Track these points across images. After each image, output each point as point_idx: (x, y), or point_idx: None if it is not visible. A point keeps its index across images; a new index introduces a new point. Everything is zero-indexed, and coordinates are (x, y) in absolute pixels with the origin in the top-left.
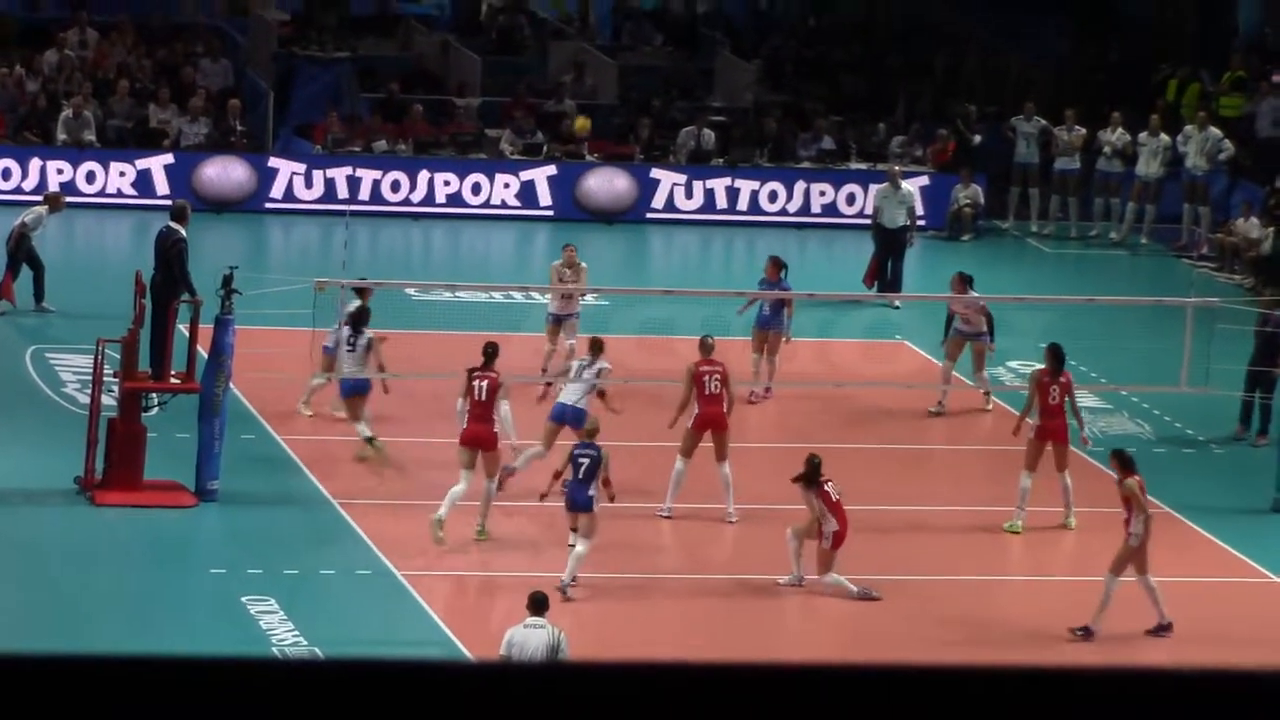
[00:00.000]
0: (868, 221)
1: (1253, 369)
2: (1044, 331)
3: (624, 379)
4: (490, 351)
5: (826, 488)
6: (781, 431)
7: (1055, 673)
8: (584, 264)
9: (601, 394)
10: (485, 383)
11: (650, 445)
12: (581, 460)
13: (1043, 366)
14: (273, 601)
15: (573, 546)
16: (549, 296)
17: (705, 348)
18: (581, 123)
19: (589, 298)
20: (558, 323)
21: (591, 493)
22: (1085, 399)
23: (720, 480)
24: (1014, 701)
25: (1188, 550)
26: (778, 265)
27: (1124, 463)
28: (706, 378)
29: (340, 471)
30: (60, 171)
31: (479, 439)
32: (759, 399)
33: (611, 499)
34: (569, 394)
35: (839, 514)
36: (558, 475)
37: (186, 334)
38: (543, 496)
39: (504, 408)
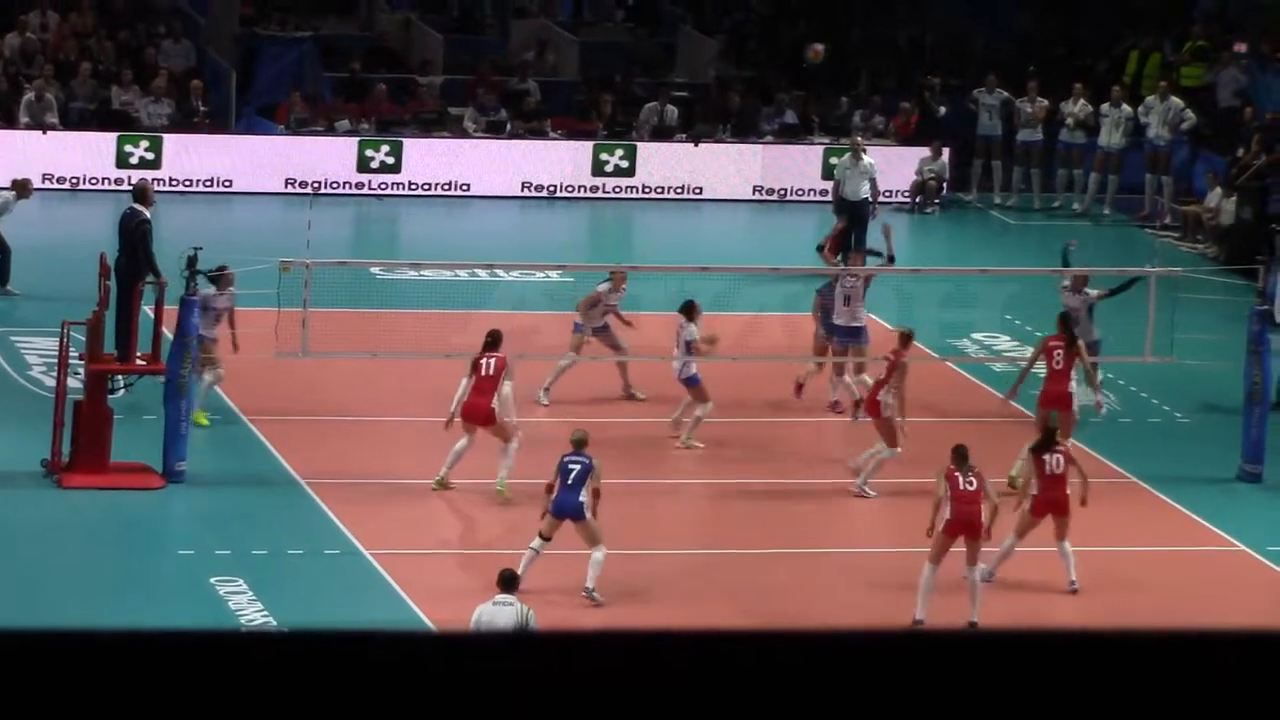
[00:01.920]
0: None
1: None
2: (1008, 303)
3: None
4: (490, 340)
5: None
6: (744, 409)
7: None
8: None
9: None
10: (493, 360)
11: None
12: (571, 467)
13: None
14: (241, 582)
15: (534, 551)
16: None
17: (903, 338)
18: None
19: (554, 274)
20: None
21: (582, 499)
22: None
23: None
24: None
25: (1154, 519)
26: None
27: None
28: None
29: (307, 450)
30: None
31: (475, 413)
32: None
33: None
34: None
35: (1046, 486)
36: (549, 489)
37: (152, 315)
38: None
39: (507, 388)
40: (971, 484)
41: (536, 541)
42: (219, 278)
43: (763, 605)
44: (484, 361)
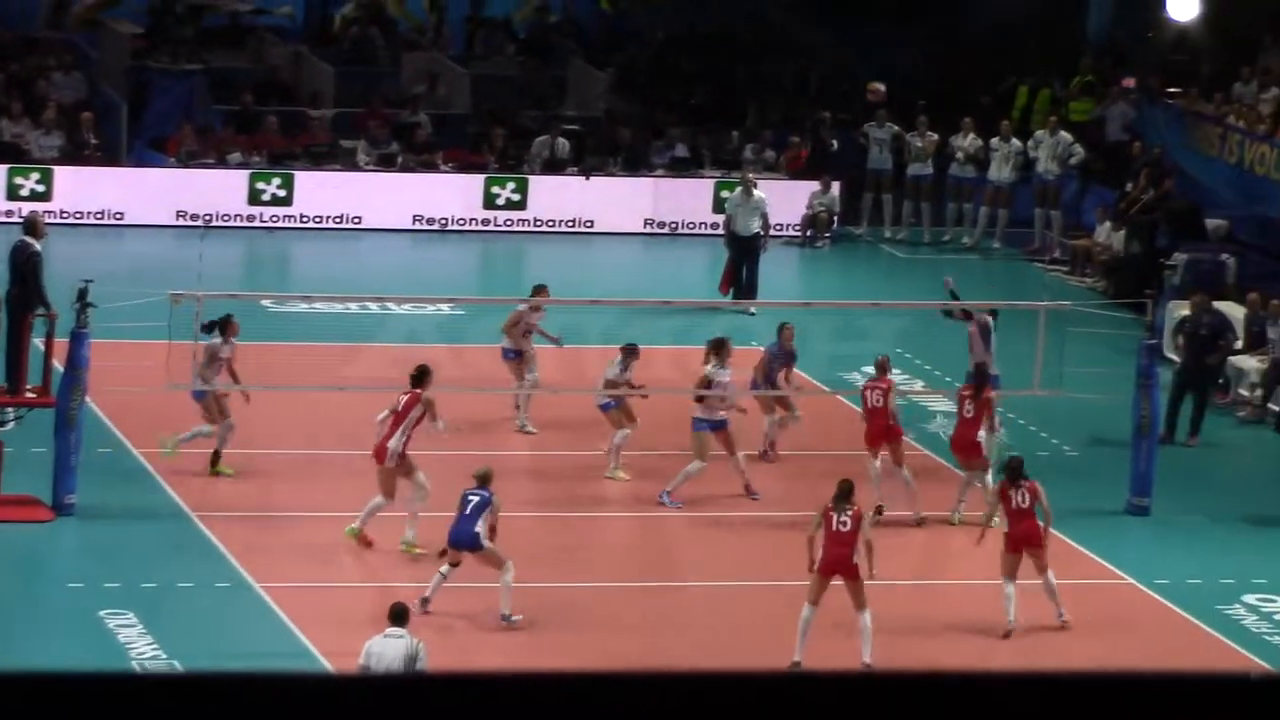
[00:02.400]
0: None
1: (1181, 371)
2: (898, 337)
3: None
4: (418, 374)
5: (1010, 491)
6: (634, 439)
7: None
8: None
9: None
10: (405, 396)
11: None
12: (470, 499)
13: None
14: (131, 615)
15: (443, 575)
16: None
17: (879, 367)
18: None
19: (445, 307)
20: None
21: (478, 529)
22: (939, 403)
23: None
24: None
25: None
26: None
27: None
28: (869, 393)
29: (197, 484)
30: None
31: (375, 451)
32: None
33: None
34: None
35: (1014, 520)
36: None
37: (42, 348)
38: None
39: (440, 425)
40: (845, 525)
41: (445, 566)
42: (225, 326)
43: (666, 640)
44: (399, 397)
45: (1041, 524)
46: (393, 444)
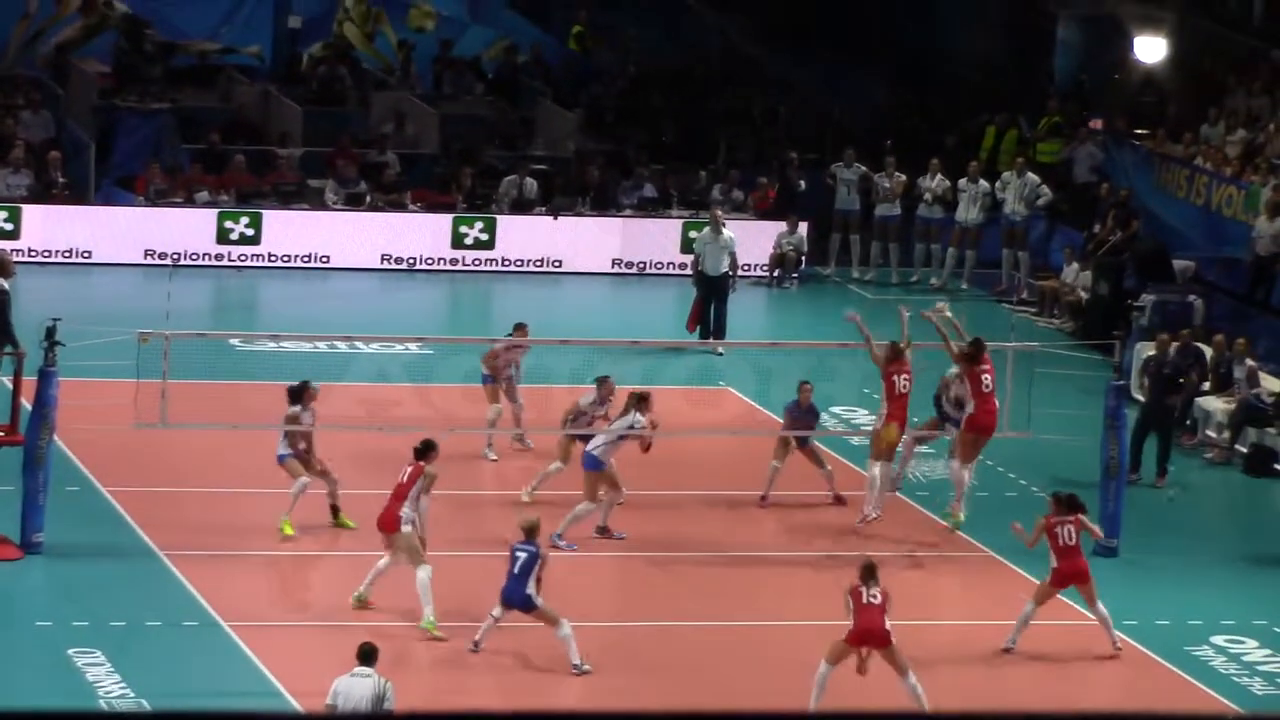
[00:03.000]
0: (689, 270)
1: (1144, 410)
2: (866, 377)
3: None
4: (423, 448)
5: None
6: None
7: None
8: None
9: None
10: (410, 467)
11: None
12: (519, 555)
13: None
14: (99, 654)
15: (495, 618)
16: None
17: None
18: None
19: (413, 346)
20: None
21: (529, 591)
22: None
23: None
24: None
25: (1011, 593)
26: (810, 390)
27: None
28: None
29: (165, 523)
30: None
31: (380, 520)
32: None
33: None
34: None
35: (1062, 556)
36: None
37: (10, 386)
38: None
39: (424, 503)
40: (875, 597)
41: (497, 610)
42: (302, 393)
43: (676, 680)
44: (405, 467)
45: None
46: (405, 513)
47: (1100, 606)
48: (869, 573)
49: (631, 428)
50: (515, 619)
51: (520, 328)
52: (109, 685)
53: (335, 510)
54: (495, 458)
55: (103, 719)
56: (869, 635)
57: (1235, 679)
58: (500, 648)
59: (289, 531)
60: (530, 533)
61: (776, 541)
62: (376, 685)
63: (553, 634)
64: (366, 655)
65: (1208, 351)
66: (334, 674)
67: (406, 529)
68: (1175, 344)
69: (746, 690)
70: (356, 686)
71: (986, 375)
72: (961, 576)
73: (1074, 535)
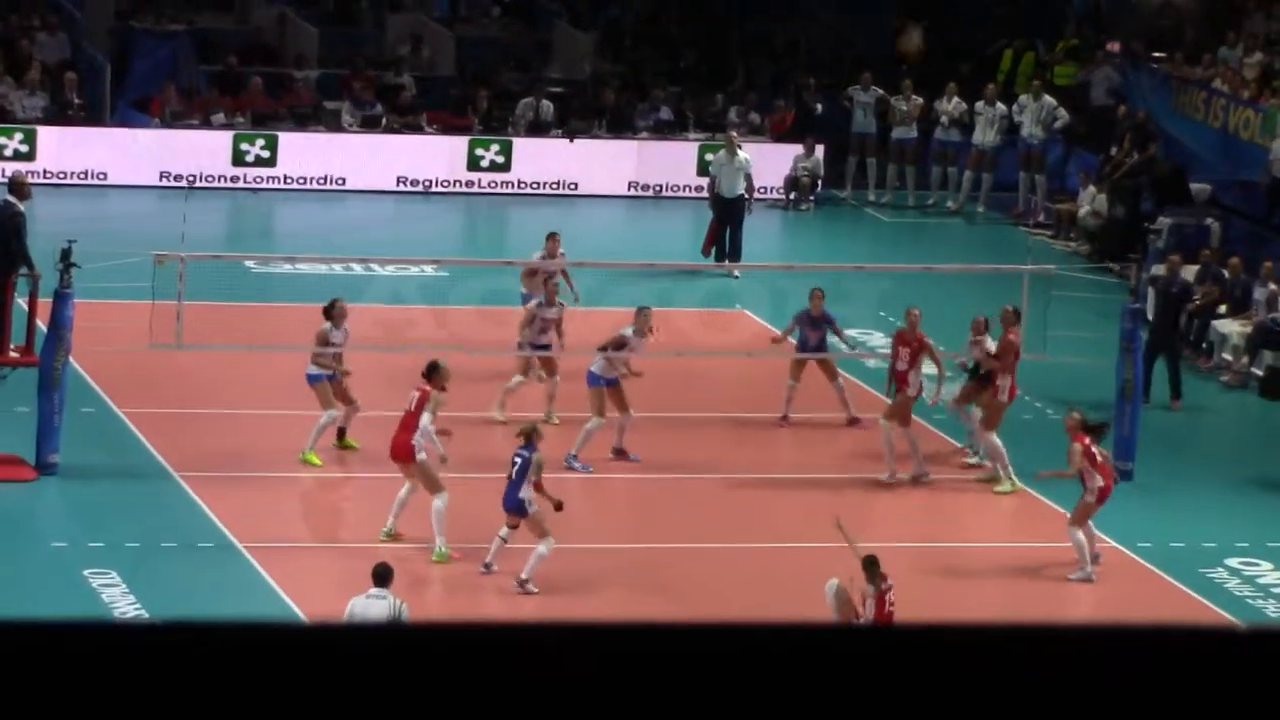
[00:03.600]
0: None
1: (1155, 336)
2: (882, 300)
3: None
4: (429, 369)
5: (1093, 448)
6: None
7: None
8: (564, 253)
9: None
10: (417, 393)
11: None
12: (515, 460)
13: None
14: (114, 574)
15: (503, 539)
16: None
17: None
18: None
19: (429, 268)
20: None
21: (523, 495)
22: (926, 367)
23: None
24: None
25: (1028, 517)
26: (822, 297)
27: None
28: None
29: (180, 445)
30: None
31: (392, 449)
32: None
33: (559, 506)
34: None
35: (1103, 472)
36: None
37: (26, 308)
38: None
39: (425, 419)
40: (892, 602)
41: (504, 530)
42: (330, 310)
43: (684, 598)
44: (411, 394)
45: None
46: (418, 440)
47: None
48: (872, 571)
49: (624, 340)
50: (528, 538)
51: (552, 237)
52: (124, 606)
53: (341, 432)
54: (504, 419)
55: (116, 628)
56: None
57: (1249, 601)
58: (517, 569)
59: (316, 461)
60: (528, 436)
61: (794, 462)
62: (392, 606)
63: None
64: (381, 576)
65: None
66: (350, 596)
67: (421, 456)
68: (1187, 265)
69: (761, 611)
70: (372, 608)
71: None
72: (983, 503)
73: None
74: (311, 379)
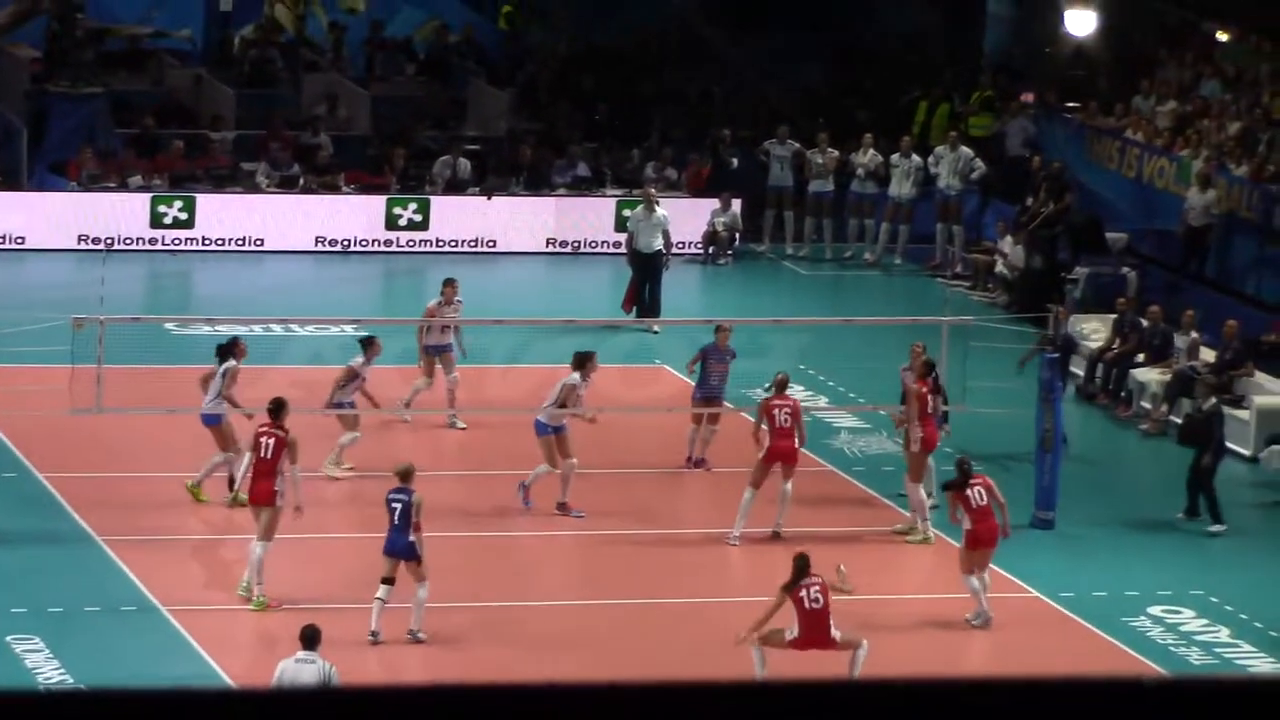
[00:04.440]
0: (623, 248)
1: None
2: (801, 353)
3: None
4: (275, 407)
5: (968, 492)
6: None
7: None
8: (460, 300)
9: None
10: (271, 440)
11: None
12: (394, 505)
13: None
14: (38, 640)
15: (382, 600)
16: (425, 330)
17: (779, 384)
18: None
19: (349, 328)
20: (432, 354)
21: (411, 539)
22: (844, 420)
23: (780, 495)
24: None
25: (948, 566)
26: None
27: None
28: (777, 412)
29: (103, 507)
30: None
31: (256, 496)
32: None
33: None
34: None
35: (978, 517)
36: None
37: None
38: None
39: (294, 471)
40: (817, 601)
41: (381, 590)
42: (232, 349)
43: (599, 654)
44: (262, 442)
45: (999, 520)
46: (279, 485)
47: (987, 577)
48: (801, 569)
49: (573, 386)
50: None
51: (450, 284)
52: (48, 671)
53: (232, 482)
54: (464, 426)
55: (48, 699)
56: (815, 642)
57: (1173, 649)
58: (445, 624)
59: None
60: (404, 477)
61: (715, 516)
62: (321, 670)
63: (412, 588)
64: (310, 639)
65: (1144, 323)
66: (277, 659)
67: (280, 503)
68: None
69: (700, 666)
70: (303, 672)
71: (934, 399)
72: (905, 553)
73: (984, 495)
74: (209, 420)
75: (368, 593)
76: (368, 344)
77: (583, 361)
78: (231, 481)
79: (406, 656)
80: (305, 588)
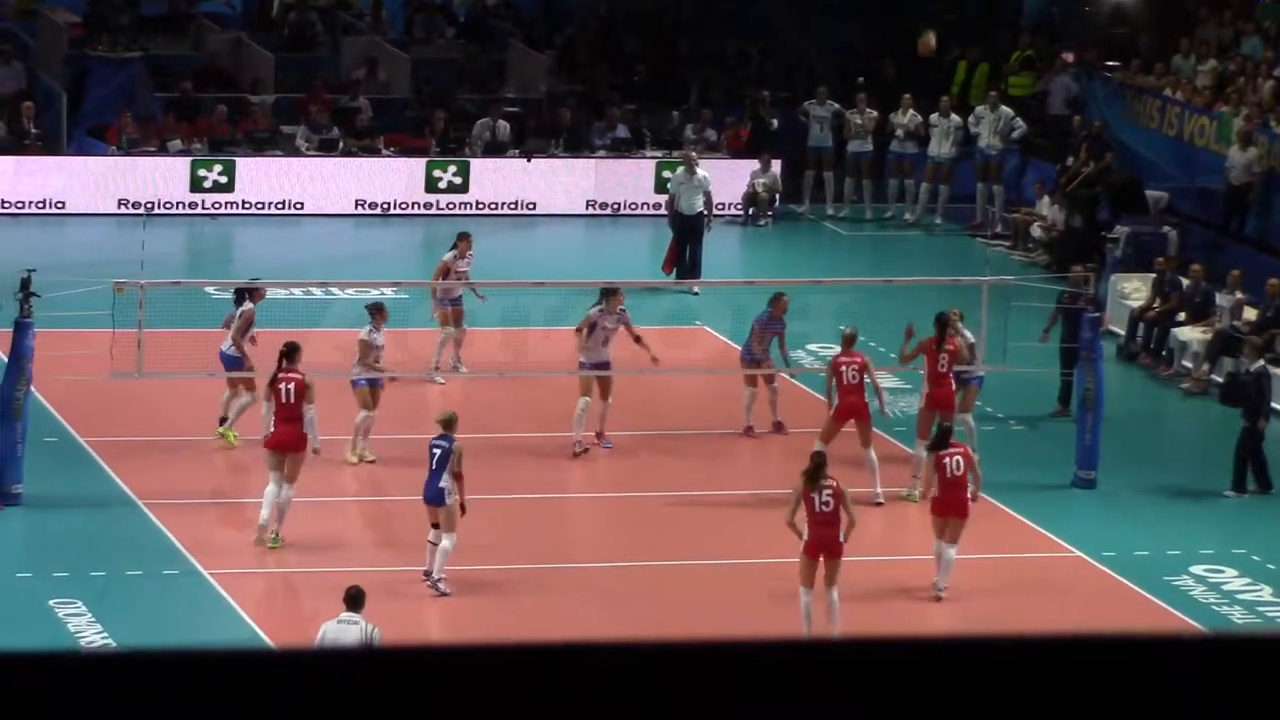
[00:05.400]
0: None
1: (1065, 346)
2: (840, 313)
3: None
4: (289, 351)
5: (945, 459)
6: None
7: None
8: (472, 254)
9: (637, 339)
10: (291, 385)
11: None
12: (434, 450)
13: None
14: (80, 604)
15: (433, 543)
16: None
17: (846, 340)
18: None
19: (389, 291)
20: (445, 306)
21: (443, 485)
22: (886, 380)
23: (866, 463)
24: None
25: (991, 527)
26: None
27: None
28: (844, 369)
29: (144, 470)
30: None
31: (284, 442)
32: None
33: (463, 509)
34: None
35: (946, 485)
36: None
37: None
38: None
39: (310, 411)
40: (828, 504)
41: (432, 533)
42: (253, 292)
43: (640, 615)
44: (282, 387)
45: (971, 490)
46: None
47: (953, 551)
48: (815, 473)
49: (594, 320)
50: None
51: (464, 238)
52: (91, 635)
53: (224, 419)
54: (443, 381)
55: (87, 658)
56: (826, 547)
57: (1215, 607)
58: (487, 581)
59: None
60: (447, 425)
61: (756, 479)
62: (364, 631)
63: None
64: (354, 600)
65: (1184, 281)
66: (320, 620)
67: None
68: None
69: (738, 626)
70: (345, 633)
71: (944, 356)
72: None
73: (960, 465)
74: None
75: (409, 555)
76: (375, 310)
77: (606, 294)
78: (223, 420)
79: (454, 615)
80: (346, 548)
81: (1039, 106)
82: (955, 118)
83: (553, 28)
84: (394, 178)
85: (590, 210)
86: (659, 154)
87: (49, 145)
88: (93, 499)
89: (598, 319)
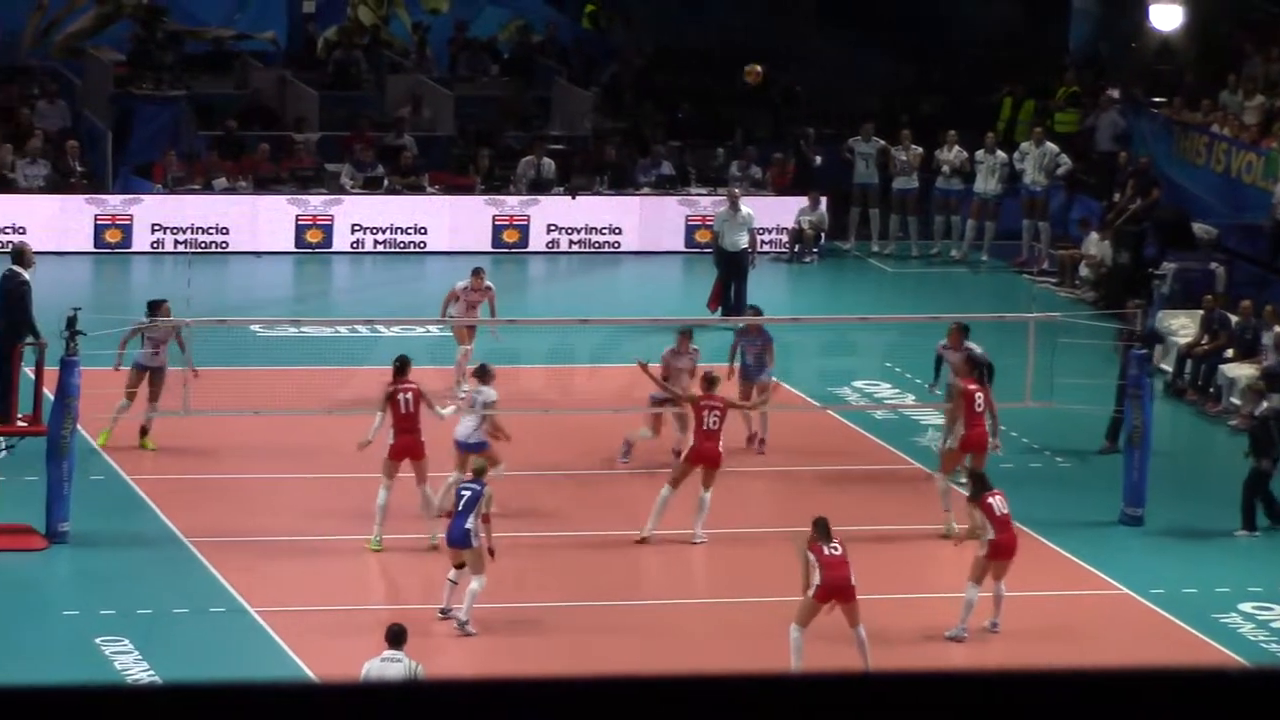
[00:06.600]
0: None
1: (1122, 383)
2: (888, 351)
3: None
4: (400, 365)
5: (990, 500)
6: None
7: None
8: (491, 286)
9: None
10: (409, 394)
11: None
12: (463, 493)
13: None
14: (127, 642)
15: (453, 582)
16: (448, 306)
17: (709, 382)
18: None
19: (434, 328)
20: (459, 326)
21: (468, 526)
22: (931, 417)
23: (697, 502)
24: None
25: (1039, 564)
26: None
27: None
28: (706, 413)
29: (190, 510)
30: None
31: (408, 450)
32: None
33: (491, 553)
34: (462, 429)
35: (1000, 526)
36: (448, 514)
37: (32, 376)
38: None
39: (448, 409)
40: (836, 549)
41: (452, 572)
42: (157, 307)
43: (645, 653)
44: (401, 399)
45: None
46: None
47: (1002, 585)
48: (822, 531)
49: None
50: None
51: (477, 273)
52: (137, 673)
53: (144, 430)
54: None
55: (134, 692)
56: (838, 590)
57: (1264, 645)
58: (524, 622)
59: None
60: (479, 473)
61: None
62: (407, 668)
63: (455, 576)
64: (396, 637)
65: (1233, 318)
66: (364, 658)
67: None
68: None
69: (727, 663)
70: (389, 670)
71: (979, 395)
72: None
73: (1005, 504)
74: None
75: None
76: (481, 374)
77: (679, 335)
78: (144, 431)
79: (494, 654)
80: (383, 589)
81: (1085, 142)
82: (1001, 154)
83: (597, 65)
84: (439, 215)
85: (635, 246)
86: (703, 191)
87: (95, 184)
88: (139, 538)
89: (670, 361)
